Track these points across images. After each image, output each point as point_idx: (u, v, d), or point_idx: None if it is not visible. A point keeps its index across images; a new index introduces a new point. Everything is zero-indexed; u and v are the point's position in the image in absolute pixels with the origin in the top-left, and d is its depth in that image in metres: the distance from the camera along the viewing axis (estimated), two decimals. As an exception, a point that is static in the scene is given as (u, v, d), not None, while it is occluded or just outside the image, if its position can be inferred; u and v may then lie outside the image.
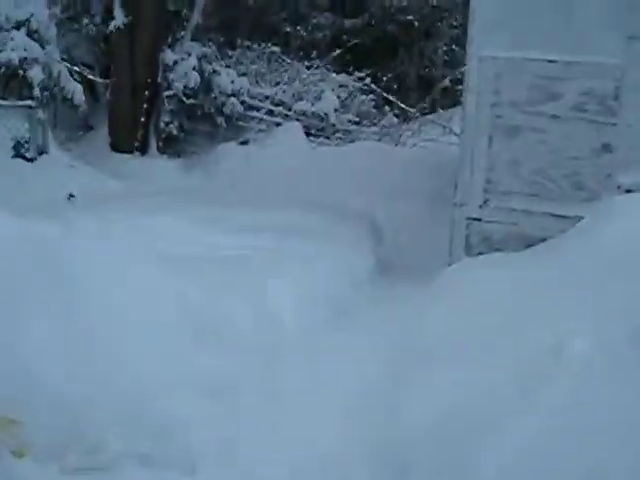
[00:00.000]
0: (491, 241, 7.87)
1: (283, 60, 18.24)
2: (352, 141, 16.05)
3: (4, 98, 13.33)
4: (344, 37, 21.32)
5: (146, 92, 14.87)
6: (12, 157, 12.37)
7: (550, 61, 7.60)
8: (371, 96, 18.38)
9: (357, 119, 17.62)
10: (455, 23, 21.48)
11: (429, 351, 5.00)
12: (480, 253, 7.63)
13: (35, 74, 13.12)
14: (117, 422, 4.40)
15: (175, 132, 15.82)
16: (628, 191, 7.13)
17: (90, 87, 16.44)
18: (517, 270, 5.92)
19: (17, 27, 13.48)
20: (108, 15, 14.99)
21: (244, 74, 16.84)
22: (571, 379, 3.97)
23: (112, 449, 4.36)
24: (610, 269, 5.11)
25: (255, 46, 18.20)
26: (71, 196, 10.67)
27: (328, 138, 16.54)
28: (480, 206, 7.93)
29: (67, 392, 4.45)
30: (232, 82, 16.08)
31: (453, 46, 21.56)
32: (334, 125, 16.80)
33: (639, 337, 4.06)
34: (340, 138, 16.68)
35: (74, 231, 5.68)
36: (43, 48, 13.45)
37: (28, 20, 13.46)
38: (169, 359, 4.75)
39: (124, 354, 4.67)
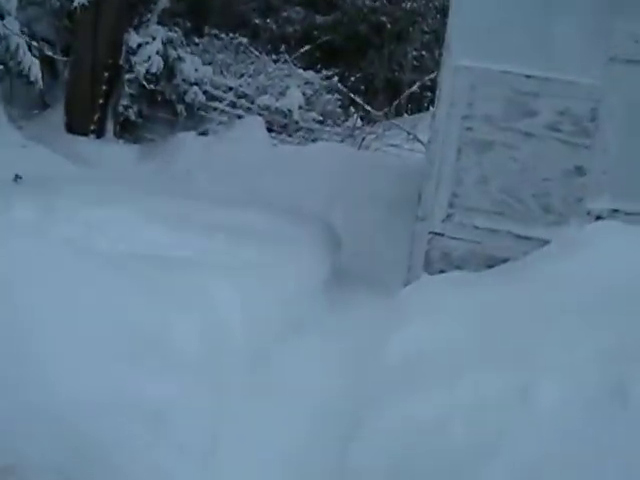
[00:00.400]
0: (452, 258, 7.55)
1: (250, 52, 17.78)
2: (315, 140, 15.69)
3: (-46, 70, 12.85)
4: (314, 33, 20.96)
5: (106, 73, 14.33)
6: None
7: (527, 76, 7.31)
8: (337, 96, 18.01)
9: (321, 118, 17.22)
10: (427, 29, 21.25)
11: (385, 381, 4.64)
12: (440, 270, 7.35)
13: (-10, 46, 12.62)
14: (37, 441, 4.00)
15: (133, 117, 15.28)
16: (598, 218, 6.90)
17: (49, 64, 15.88)
18: (482, 294, 5.59)
19: (-27, -3, 12.98)
20: (73, -10, 14.46)
21: (209, 63, 16.34)
22: (537, 431, 3.61)
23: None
24: (580, 302, 4.81)
25: (223, 35, 17.73)
26: (18, 177, 10.13)
27: (290, 136, 16.13)
28: (443, 220, 7.61)
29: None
30: (196, 70, 15.58)
31: (423, 52, 21.34)
32: (297, 123, 16.39)
33: (616, 386, 3.71)
34: (303, 137, 16.28)
35: (8, 224, 5.22)
36: (1, 19, 12.92)
37: (-13, -10, 12.94)
38: (101, 376, 4.34)
39: (51, 369, 4.26)
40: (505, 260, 6.81)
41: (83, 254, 5.31)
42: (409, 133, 15.95)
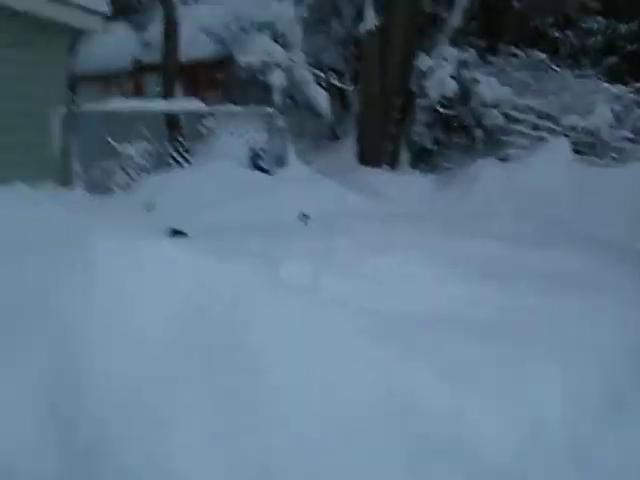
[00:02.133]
0: None
1: (550, 68, 16.35)
2: (627, 161, 13.95)
3: (242, 105, 12.55)
4: (618, 43, 19.07)
5: (398, 101, 13.49)
6: (247, 168, 11.42)
7: None
8: (650, 111, 16.08)
9: (633, 136, 15.42)
10: None
11: None
12: None
13: (277, 79, 12.24)
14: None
15: (428, 145, 14.41)
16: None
17: (338, 94, 15.46)
18: None
19: (260, 30, 12.71)
20: (359, 17, 13.85)
21: (507, 83, 15.12)
22: None
23: None
24: None
25: (519, 53, 16.44)
26: (304, 216, 9.49)
27: (599, 157, 14.51)
28: None
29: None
30: (493, 91, 14.45)
31: None
32: (607, 143, 14.75)
33: None
34: (613, 158, 14.59)
35: (276, 281, 4.31)
36: (287, 52, 12.56)
37: (273, 22, 12.61)
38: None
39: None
40: None
41: (356, 314, 4.30)
42: None
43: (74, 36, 11.14)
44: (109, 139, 10.92)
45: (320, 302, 4.28)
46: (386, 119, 13.67)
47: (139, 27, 15.76)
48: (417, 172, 13.75)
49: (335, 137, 15.48)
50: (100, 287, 4.18)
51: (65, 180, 10.58)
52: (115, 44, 15.22)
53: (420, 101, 14.04)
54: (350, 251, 6.24)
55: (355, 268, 5.61)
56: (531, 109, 15.07)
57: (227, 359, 3.64)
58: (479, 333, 4.42)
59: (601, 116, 14.70)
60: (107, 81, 16.28)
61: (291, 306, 3.98)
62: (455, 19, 14.96)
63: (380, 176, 13.03)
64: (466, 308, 4.91)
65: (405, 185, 12.59)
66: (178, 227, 9.14)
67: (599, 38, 19.22)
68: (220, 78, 13.49)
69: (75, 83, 16.11)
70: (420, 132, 14.37)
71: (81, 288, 4.22)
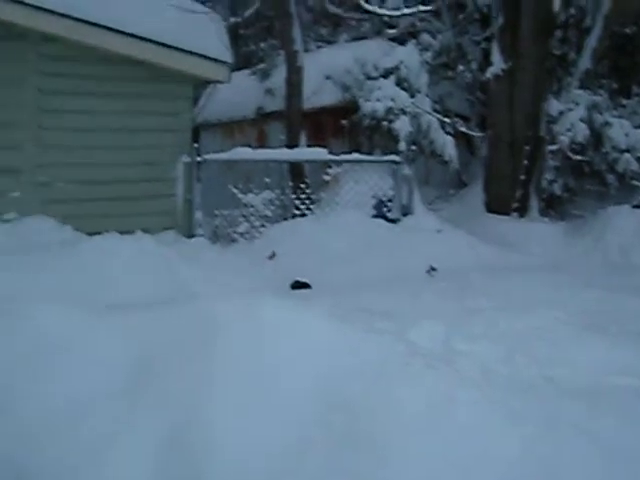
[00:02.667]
0: None
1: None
2: None
3: (367, 152, 12.28)
4: None
5: (526, 146, 12.96)
6: (372, 217, 11.11)
7: None
8: None
9: None
10: None
11: None
12: None
13: (402, 126, 11.94)
14: None
15: (559, 192, 13.79)
16: None
17: (465, 140, 15.03)
18: None
19: (385, 75, 12.43)
20: (486, 61, 13.43)
21: (640, 126, 14.40)
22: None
23: None
24: None
25: (653, 93, 15.67)
26: (432, 269, 9.10)
27: None
28: None
29: None
30: (626, 135, 13.75)
31: None
32: None
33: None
34: None
35: (409, 351, 3.91)
36: (412, 97, 12.24)
37: (397, 68, 12.32)
38: None
39: None
40: None
41: (495, 385, 3.87)
42: None
43: (198, 86, 11.13)
44: (232, 188, 10.79)
45: (457, 375, 3.85)
46: (515, 165, 13.15)
47: (263, 75, 15.74)
48: (546, 220, 13.15)
49: (461, 184, 15.03)
50: (221, 357, 3.88)
51: (187, 229, 10.50)
52: (239, 92, 15.23)
53: (550, 147, 13.45)
54: (484, 311, 5.80)
55: (490, 330, 5.18)
56: (667, 153, 14.29)
57: (360, 446, 3.25)
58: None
59: None
60: (231, 129, 16.33)
61: (426, 383, 3.57)
62: (585, 60, 14.36)
63: (509, 224, 12.51)
64: (614, 376, 4.40)
65: (535, 234, 12.04)
66: (301, 279, 8.91)
67: None
68: (344, 125, 13.25)
69: (199, 132, 16.27)
70: (549, 178, 13.76)
71: (199, 355, 3.94)
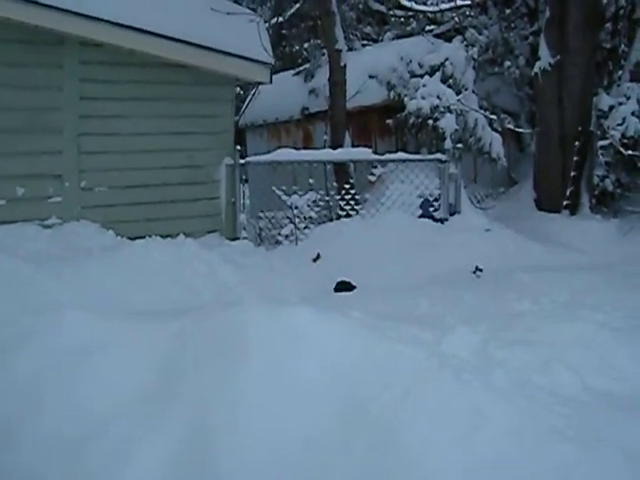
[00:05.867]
0: None
1: None
2: None
3: (413, 151, 12.09)
4: None
5: (576, 142, 12.65)
6: (418, 217, 10.94)
7: None
8: None
9: None
10: None
11: None
12: None
13: (448, 124, 11.73)
14: None
15: (610, 188, 13.42)
16: None
17: (514, 137, 14.76)
18: None
19: (430, 73, 12.22)
20: (533, 55, 13.15)
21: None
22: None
23: None
24: None
25: None
26: (478, 270, 8.89)
27: None
28: None
29: None
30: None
31: None
32: None
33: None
34: None
35: (442, 363, 3.73)
36: (458, 94, 12.01)
37: (443, 65, 12.11)
38: None
39: None
40: None
41: (533, 402, 3.69)
42: None
43: (241, 87, 11.04)
44: (275, 189, 10.69)
45: (491, 387, 3.67)
46: (565, 162, 12.85)
47: (307, 75, 15.61)
48: (598, 217, 12.80)
49: (510, 182, 14.75)
50: (248, 363, 3.77)
51: (231, 231, 10.45)
52: (284, 93, 15.16)
53: (601, 143, 13.11)
54: (526, 315, 5.59)
55: (530, 335, 4.97)
56: None
57: (384, 465, 3.09)
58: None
59: None
60: (277, 130, 16.26)
61: (456, 398, 3.40)
62: (636, 53, 13.98)
63: (559, 222, 12.22)
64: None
65: (587, 232, 11.72)
66: (346, 279, 8.80)
67: None
68: (390, 124, 13.07)
69: (244, 133, 16.22)
70: (601, 174, 13.42)
71: (227, 360, 3.83)
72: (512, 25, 15.29)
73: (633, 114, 12.87)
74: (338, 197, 11.05)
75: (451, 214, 11.16)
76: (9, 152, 9.00)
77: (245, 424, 3.41)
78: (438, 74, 12.20)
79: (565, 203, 12.75)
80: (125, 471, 3.45)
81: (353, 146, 11.98)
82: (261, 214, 11.20)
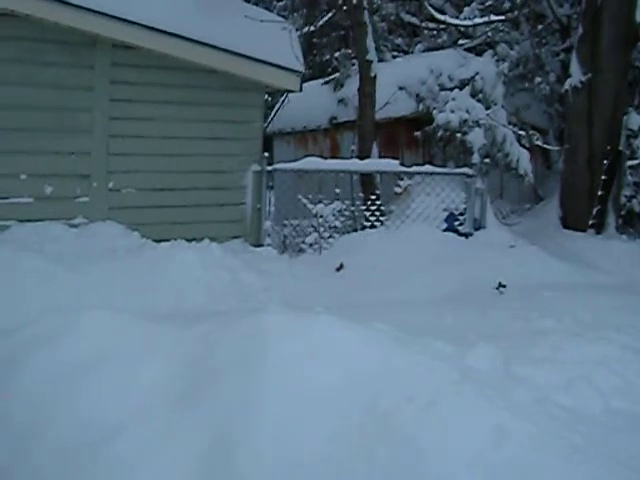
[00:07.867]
0: None
1: None
2: None
3: (441, 164, 12.06)
4: None
5: (605, 161, 12.58)
6: (443, 230, 10.91)
7: None
8: None
9: None
10: None
11: None
12: None
13: (476, 138, 11.68)
14: None
15: (637, 209, 13.36)
16: None
17: (542, 154, 14.71)
18: None
19: (460, 86, 12.19)
20: (564, 72, 13.09)
21: None
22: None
23: None
24: None
25: None
26: (501, 286, 8.85)
27: None
28: None
29: None
30: None
31: None
32: None
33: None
34: None
35: (464, 377, 3.71)
36: (487, 109, 11.97)
37: (473, 79, 12.08)
38: None
39: None
40: None
41: (553, 420, 3.66)
42: None
43: (269, 94, 11.06)
44: (301, 198, 10.70)
45: (513, 405, 3.64)
46: (592, 180, 12.77)
47: (337, 85, 15.64)
48: (624, 237, 12.71)
49: (537, 198, 14.69)
50: (269, 371, 3.76)
51: (256, 238, 10.46)
52: (313, 101, 15.20)
53: (630, 162, 13.03)
54: (550, 334, 5.56)
55: (553, 354, 4.94)
56: None
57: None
58: None
59: None
60: (304, 138, 16.29)
61: (477, 415, 3.37)
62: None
63: (584, 241, 12.11)
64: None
65: (612, 252, 11.62)
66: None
67: None
68: (417, 136, 13.04)
69: (272, 140, 16.24)
70: (628, 194, 13.33)
71: (248, 367, 3.82)
72: (543, 41, 15.25)
73: (663, 134, 12.82)
74: (363, 207, 11.04)
75: (476, 229, 11.13)
76: (39, 151, 9.07)
77: (266, 433, 3.39)
78: (468, 88, 12.16)
79: (591, 222, 12.66)
80: (145, 476, 3.44)
81: (380, 157, 11.97)
82: (286, 221, 11.21)
